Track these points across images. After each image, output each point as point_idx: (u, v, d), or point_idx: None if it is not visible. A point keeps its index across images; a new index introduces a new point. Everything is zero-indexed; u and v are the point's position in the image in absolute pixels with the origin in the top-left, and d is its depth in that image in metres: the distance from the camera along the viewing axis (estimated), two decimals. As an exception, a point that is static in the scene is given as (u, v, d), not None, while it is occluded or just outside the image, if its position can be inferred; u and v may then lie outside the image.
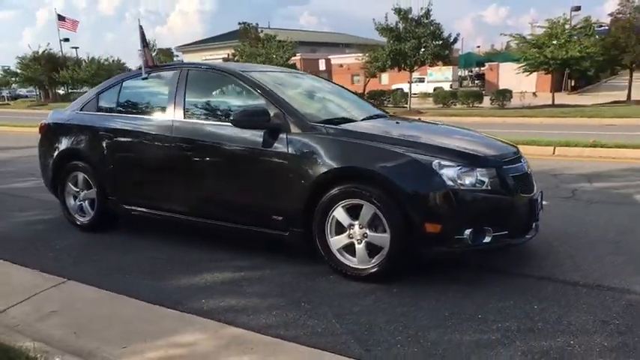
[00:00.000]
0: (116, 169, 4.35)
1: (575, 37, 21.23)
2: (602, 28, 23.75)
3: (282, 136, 3.50)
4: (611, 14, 22.71)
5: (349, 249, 3.36)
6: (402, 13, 20.79)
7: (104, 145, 4.38)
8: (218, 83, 4.25)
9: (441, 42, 21.28)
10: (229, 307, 3.04)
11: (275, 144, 3.52)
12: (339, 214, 3.32)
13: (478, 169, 3.14)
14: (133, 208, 4.34)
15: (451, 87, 42.55)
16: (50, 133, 4.91)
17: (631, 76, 23.47)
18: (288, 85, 4.18)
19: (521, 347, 2.46)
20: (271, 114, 3.55)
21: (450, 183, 3.06)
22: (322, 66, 22.99)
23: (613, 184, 6.33)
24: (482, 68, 48.91)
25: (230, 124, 3.70)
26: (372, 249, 3.27)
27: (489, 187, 3.15)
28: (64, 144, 4.71)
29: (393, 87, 34.16)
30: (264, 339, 2.61)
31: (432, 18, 21.14)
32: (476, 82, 47.97)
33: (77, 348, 2.60)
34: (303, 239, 3.53)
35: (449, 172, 3.08)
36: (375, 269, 3.25)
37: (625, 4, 21.97)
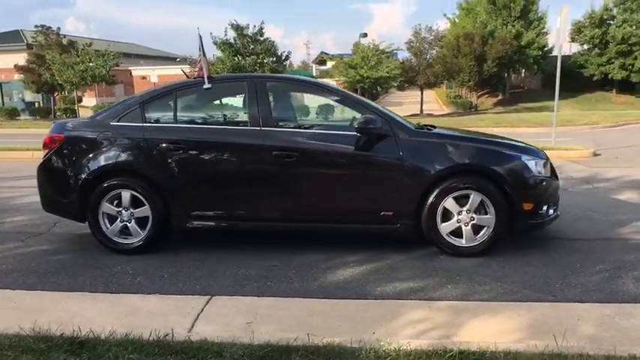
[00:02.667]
0: (188, 183, 4.15)
1: (388, 58, 25.07)
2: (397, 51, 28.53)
3: (392, 140, 4.02)
4: (407, 42, 27.41)
5: (454, 232, 4.08)
6: (239, 30, 21.44)
7: (170, 158, 4.13)
8: (304, 94, 4.46)
9: (274, 58, 22.58)
10: (406, 289, 3.48)
11: (386, 148, 4.02)
12: (449, 203, 4.02)
13: (542, 161, 4.22)
14: (207, 221, 4.21)
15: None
16: (72, 148, 4.30)
17: (422, 94, 28.67)
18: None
19: (629, 277, 3.59)
20: (378, 122, 4.04)
21: (534, 172, 4.07)
22: (154, 78, 21.85)
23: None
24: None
25: (335, 130, 4.11)
26: (475, 230, 4.06)
27: (548, 174, 4.26)
28: (100, 159, 4.20)
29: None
30: (476, 304, 3.19)
31: (265, 36, 22.31)
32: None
33: (330, 342, 2.73)
34: (412, 229, 4.10)
35: (531, 163, 4.09)
36: (482, 246, 4.05)
37: (416, 35, 26.84)
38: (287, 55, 23.55)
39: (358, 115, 4.20)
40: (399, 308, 3.15)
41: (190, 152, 4.15)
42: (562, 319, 2.93)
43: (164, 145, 4.15)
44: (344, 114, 4.31)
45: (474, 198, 4.00)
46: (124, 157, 4.21)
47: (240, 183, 4.16)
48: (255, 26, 22.25)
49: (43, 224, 5.37)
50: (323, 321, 3.01)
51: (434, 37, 27.08)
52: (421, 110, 27.95)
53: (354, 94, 4.30)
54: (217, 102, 4.50)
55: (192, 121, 4.35)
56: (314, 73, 53.34)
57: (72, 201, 4.28)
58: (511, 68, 34.32)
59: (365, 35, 44.13)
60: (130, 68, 43.93)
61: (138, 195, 4.19)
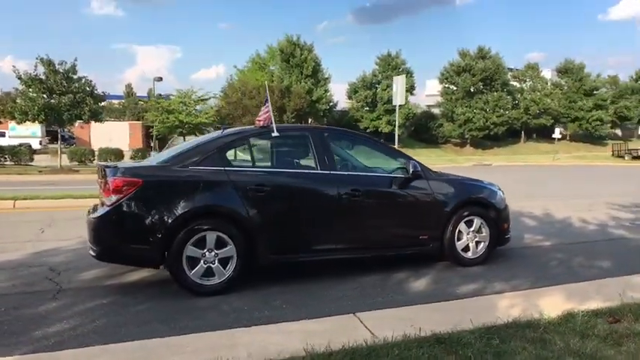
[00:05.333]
0: (272, 222, 4.52)
1: (201, 107, 25.64)
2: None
3: (424, 181, 5.21)
4: (222, 91, 28.51)
5: (463, 248, 5.44)
6: (51, 65, 19.38)
7: (255, 199, 4.45)
8: (352, 143, 5.24)
9: (92, 99, 21.00)
10: (476, 289, 4.66)
11: (422, 186, 5.19)
12: (462, 226, 5.38)
13: (501, 192, 5.97)
14: (289, 256, 4.63)
15: (40, 143, 39.80)
16: (151, 192, 4.22)
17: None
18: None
19: (576, 264, 5.49)
20: (412, 166, 5.19)
21: (504, 200, 5.78)
22: None
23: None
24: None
25: (382, 173, 5.12)
26: (476, 245, 5.50)
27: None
28: (186, 203, 4.25)
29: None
30: (532, 291, 4.48)
31: (79, 74, 20.61)
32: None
33: (518, 318, 3.69)
34: (438, 248, 5.31)
35: (501, 194, 5.79)
36: (481, 257, 5.50)
37: (230, 86, 28.23)
38: (103, 96, 22.05)
39: (394, 160, 5.28)
40: (492, 300, 4.27)
41: (273, 193, 4.55)
42: (592, 291, 4.45)
43: (249, 187, 4.46)
44: (382, 159, 5.33)
45: (477, 221, 5.45)
46: (211, 199, 4.35)
47: (318, 219, 4.74)
48: (65, 62, 20.36)
49: (36, 282, 4.81)
50: (457, 315, 3.89)
51: (244, 87, 28.95)
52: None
53: (387, 144, 5.37)
54: (287, 149, 4.96)
55: (270, 165, 4.74)
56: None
57: (153, 247, 4.17)
58: (304, 120, 38.68)
59: (160, 79, 43.78)
60: None
61: (223, 236, 4.36)
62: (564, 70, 48.72)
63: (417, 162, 5.26)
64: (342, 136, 5.50)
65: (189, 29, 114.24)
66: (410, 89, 41.90)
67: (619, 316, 3.71)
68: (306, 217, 4.72)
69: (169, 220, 4.19)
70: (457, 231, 5.35)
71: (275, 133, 4.78)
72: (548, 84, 47.28)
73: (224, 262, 4.39)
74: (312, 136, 4.91)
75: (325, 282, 4.77)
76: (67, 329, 3.61)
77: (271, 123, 4.81)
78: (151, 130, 32.33)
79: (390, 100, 39.83)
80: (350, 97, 41.97)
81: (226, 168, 4.50)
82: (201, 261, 4.32)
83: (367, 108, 40.74)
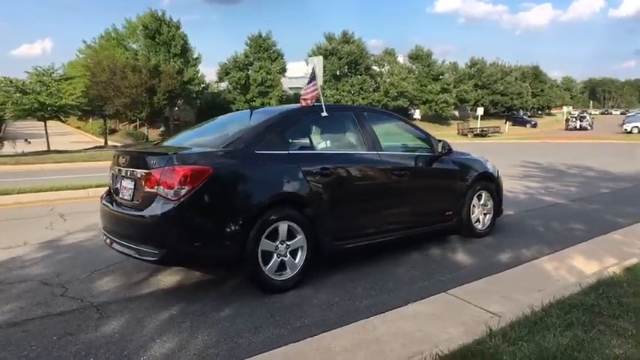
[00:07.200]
0: (335, 207, 4.26)
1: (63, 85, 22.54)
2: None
3: (448, 158, 5.39)
4: (90, 71, 25.14)
5: (475, 221, 5.77)
6: None
7: (321, 184, 4.16)
8: (387, 123, 5.08)
9: None
10: (509, 258, 4.97)
11: (450, 164, 5.36)
12: (475, 201, 5.70)
13: (489, 167, 6.43)
14: (350, 242, 4.43)
15: None
16: (222, 182, 3.67)
17: (105, 123, 26.96)
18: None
19: (561, 226, 6.20)
20: (440, 145, 5.33)
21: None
22: None
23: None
24: None
25: (418, 152, 5.17)
26: (484, 217, 5.88)
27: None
28: (259, 193, 3.81)
29: None
30: (555, 255, 5.01)
31: None
32: None
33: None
34: (460, 223, 5.55)
35: (494, 167, 6.23)
36: (488, 228, 5.88)
37: (98, 65, 25.12)
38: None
39: (419, 139, 5.35)
40: (543, 265, 4.56)
41: (335, 177, 4.29)
42: (598, 249, 5.07)
43: (314, 171, 4.14)
44: (407, 138, 5.33)
45: (484, 195, 5.82)
46: (284, 187, 3.94)
47: (374, 201, 4.60)
48: None
49: (48, 300, 3.93)
50: (534, 282, 4.12)
51: (114, 66, 26.10)
52: (106, 142, 26.39)
53: (412, 122, 5.40)
54: (336, 129, 4.62)
55: (326, 147, 4.42)
56: None
57: (232, 244, 3.65)
58: (175, 102, 36.47)
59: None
60: None
61: (293, 225, 4.00)
62: (415, 57, 53.37)
63: (441, 141, 5.40)
64: (377, 115, 5.37)
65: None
66: (282, 71, 42.13)
67: (660, 267, 4.33)
68: (363, 200, 4.54)
69: (245, 212, 3.70)
70: (471, 205, 5.65)
71: (324, 113, 4.48)
72: (403, 69, 51.39)
73: (293, 253, 4.05)
74: (356, 116, 4.73)
75: (382, 264, 4.69)
76: (174, 349, 3.02)
77: (319, 102, 4.50)
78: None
79: (263, 82, 39.61)
80: (221, 79, 40.60)
81: (290, 151, 4.11)
82: (275, 254, 3.92)
83: (239, 90, 39.85)
